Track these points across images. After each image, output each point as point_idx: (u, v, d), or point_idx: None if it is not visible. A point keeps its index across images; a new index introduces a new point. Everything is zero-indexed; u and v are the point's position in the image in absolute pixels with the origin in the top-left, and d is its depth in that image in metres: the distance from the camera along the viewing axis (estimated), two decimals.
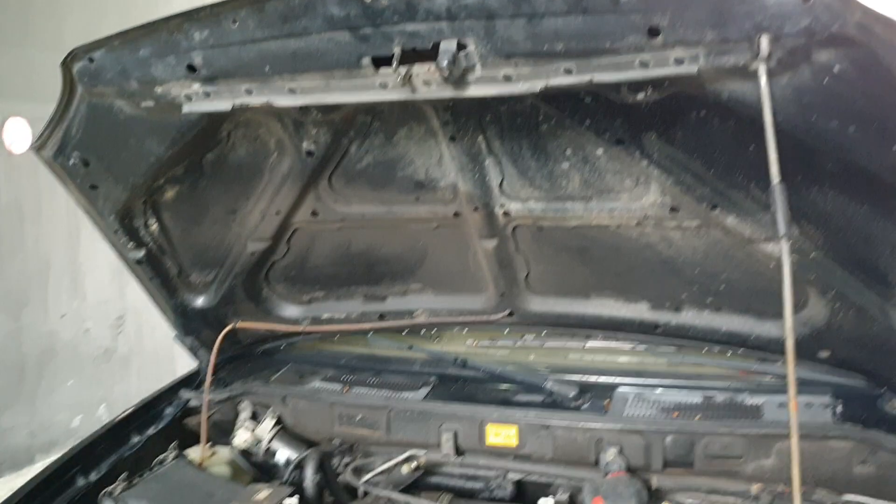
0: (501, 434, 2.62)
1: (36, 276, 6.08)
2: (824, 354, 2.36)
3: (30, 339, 6.08)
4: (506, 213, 2.44)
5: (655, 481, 2.51)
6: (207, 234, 2.76)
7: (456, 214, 2.50)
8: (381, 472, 2.76)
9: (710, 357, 2.65)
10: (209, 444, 3.07)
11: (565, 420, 2.54)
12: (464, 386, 2.87)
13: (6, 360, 5.91)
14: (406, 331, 2.99)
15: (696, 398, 2.61)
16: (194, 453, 2.95)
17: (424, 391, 2.86)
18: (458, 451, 2.70)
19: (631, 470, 2.49)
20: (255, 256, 2.77)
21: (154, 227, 2.73)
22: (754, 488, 2.43)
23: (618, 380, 2.72)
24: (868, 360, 2.37)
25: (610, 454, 2.48)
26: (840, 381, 2.50)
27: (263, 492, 2.56)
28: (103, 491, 2.52)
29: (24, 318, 6.03)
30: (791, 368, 1.40)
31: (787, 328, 1.54)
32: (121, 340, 6.87)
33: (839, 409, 2.45)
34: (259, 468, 3.00)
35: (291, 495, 2.52)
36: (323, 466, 2.82)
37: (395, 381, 2.96)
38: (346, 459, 2.93)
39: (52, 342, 6.24)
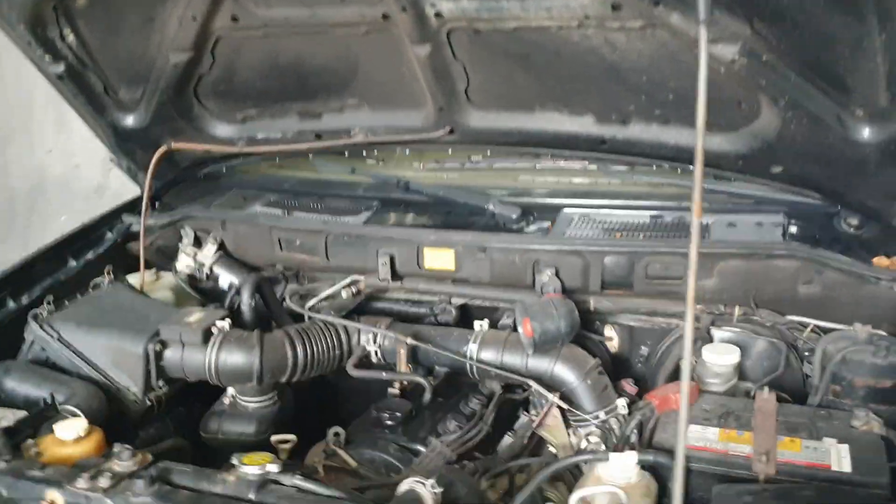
0: (439, 258, 2.52)
1: (18, 110, 5.89)
2: (777, 170, 2.19)
3: (17, 174, 5.95)
4: (437, 14, 2.21)
5: (593, 303, 2.42)
6: (128, 45, 2.57)
7: (384, 17, 2.27)
8: (325, 299, 2.69)
9: (663, 176, 2.48)
10: (154, 269, 3.02)
11: (502, 242, 2.42)
12: (406, 210, 2.75)
13: None
14: (348, 153, 2.83)
15: (643, 219, 2.47)
16: (136, 279, 2.90)
17: (365, 216, 2.74)
18: (396, 276, 2.61)
19: (568, 292, 2.40)
20: (179, 69, 2.58)
21: (70, 38, 2.54)
22: None
23: (565, 201, 2.58)
24: (823, 176, 2.19)
25: (545, 275, 2.37)
26: (795, 199, 2.34)
27: (196, 314, 2.51)
28: (31, 312, 2.47)
29: (9, 153, 5.90)
30: (699, 170, 1.24)
31: (699, 126, 1.36)
32: (112, 177, 6.76)
33: (791, 228, 2.31)
34: (205, 295, 2.95)
35: (225, 318, 2.46)
36: (262, 291, 2.76)
37: (338, 206, 2.84)
38: (292, 286, 2.86)
39: (41, 177, 6.10)
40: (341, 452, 2.20)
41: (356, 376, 2.45)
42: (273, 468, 1.77)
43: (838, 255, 2.14)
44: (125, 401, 2.40)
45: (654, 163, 2.40)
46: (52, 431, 1.96)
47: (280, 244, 2.74)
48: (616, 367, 2.57)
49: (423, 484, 1.69)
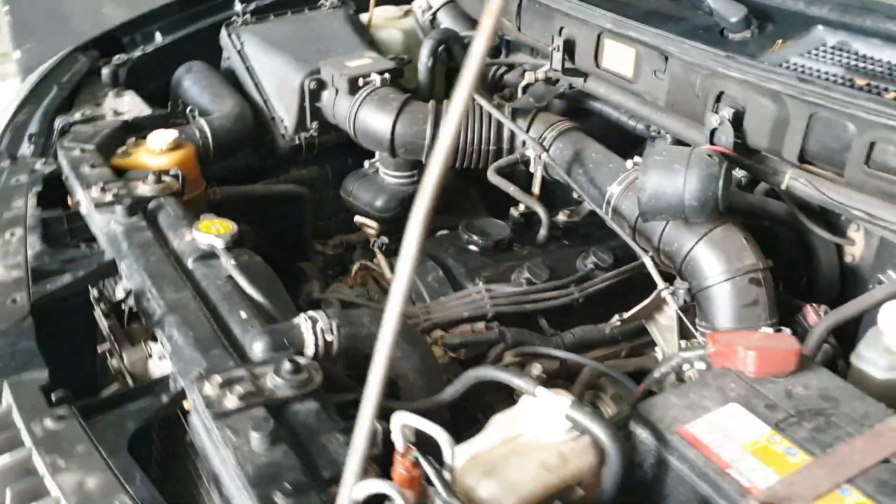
0: (618, 56, 1.83)
1: None
2: None
3: None
4: None
5: (787, 178, 1.56)
6: None
7: None
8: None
9: None
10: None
11: (685, 52, 1.63)
12: None
13: None
14: None
15: None
16: (381, 10, 2.66)
17: None
18: (576, 72, 1.98)
19: (748, 149, 1.58)
20: None
21: None
22: None
23: (832, 15, 1.61)
24: None
25: (715, 118, 1.57)
26: None
27: (364, 60, 2.26)
28: (230, 20, 2.42)
29: None
30: None
31: None
32: None
33: None
34: None
35: (385, 72, 2.17)
36: (452, 54, 2.33)
37: None
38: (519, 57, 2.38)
39: None
40: (381, 258, 1.85)
41: (492, 182, 2.01)
42: (218, 243, 1.53)
43: None
44: (275, 132, 2.31)
45: None
46: None
47: None
48: (846, 285, 1.72)
49: (314, 320, 1.30)
